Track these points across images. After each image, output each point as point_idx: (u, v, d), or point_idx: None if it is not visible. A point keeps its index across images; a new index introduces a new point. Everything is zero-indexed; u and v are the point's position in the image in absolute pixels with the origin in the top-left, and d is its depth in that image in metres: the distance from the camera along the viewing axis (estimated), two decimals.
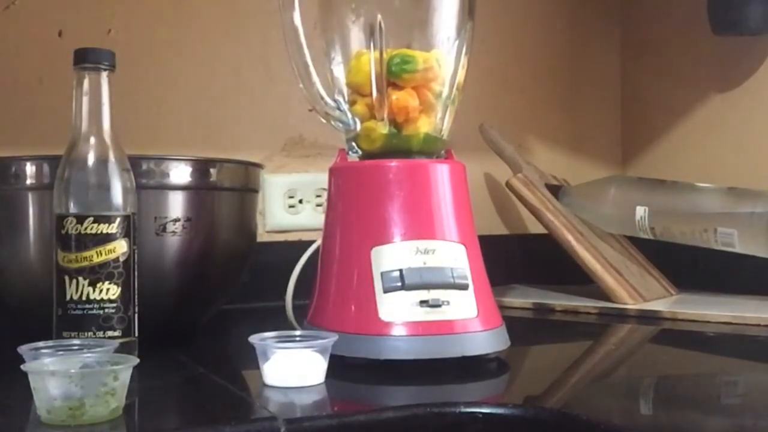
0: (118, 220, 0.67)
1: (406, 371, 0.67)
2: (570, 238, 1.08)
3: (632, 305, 1.04)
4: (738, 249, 1.01)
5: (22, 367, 0.53)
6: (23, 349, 0.58)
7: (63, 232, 0.66)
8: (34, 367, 0.54)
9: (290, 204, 1.16)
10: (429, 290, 0.69)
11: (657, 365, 0.79)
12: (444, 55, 0.76)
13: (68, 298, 0.66)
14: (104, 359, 0.57)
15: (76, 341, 0.63)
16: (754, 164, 1.19)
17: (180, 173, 0.81)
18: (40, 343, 0.60)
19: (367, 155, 0.76)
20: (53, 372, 0.53)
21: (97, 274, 0.66)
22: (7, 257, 0.79)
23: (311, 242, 0.80)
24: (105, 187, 0.68)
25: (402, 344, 0.68)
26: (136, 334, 0.69)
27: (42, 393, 0.52)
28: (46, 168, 0.77)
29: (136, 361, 0.55)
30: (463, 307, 0.70)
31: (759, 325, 0.91)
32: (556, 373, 0.74)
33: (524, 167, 1.17)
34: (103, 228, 0.67)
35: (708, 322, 0.95)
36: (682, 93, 1.30)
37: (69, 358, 0.58)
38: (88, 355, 0.59)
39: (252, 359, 0.64)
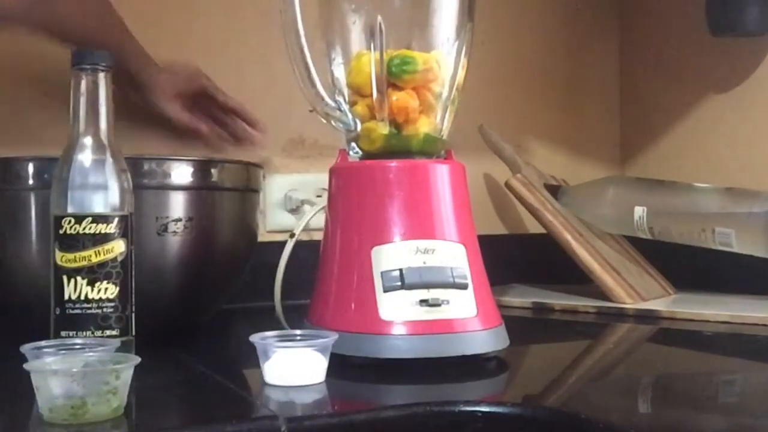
0: (116, 220, 0.67)
1: (406, 370, 0.67)
2: (569, 237, 1.09)
3: (631, 305, 1.04)
4: (736, 249, 1.01)
5: (24, 366, 0.54)
6: (26, 348, 0.59)
7: (61, 232, 0.66)
8: (37, 366, 0.55)
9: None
10: (429, 289, 0.69)
11: (655, 364, 0.80)
12: (444, 56, 0.76)
13: (66, 297, 0.66)
14: (106, 358, 0.57)
15: (78, 340, 0.63)
16: (752, 164, 1.19)
17: (181, 173, 0.81)
18: (43, 342, 0.61)
19: (367, 155, 0.77)
20: (55, 371, 0.53)
21: (95, 273, 0.66)
22: (9, 257, 0.80)
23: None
24: (103, 188, 0.68)
25: (402, 343, 0.68)
26: (133, 334, 0.69)
27: (44, 392, 0.52)
28: (47, 168, 0.77)
29: (137, 360, 0.56)
30: (462, 306, 0.70)
31: (757, 325, 0.91)
32: (555, 372, 0.74)
33: (523, 167, 1.17)
34: (102, 228, 0.67)
35: (706, 321, 0.95)
36: (680, 94, 1.30)
37: (71, 357, 0.58)
38: (90, 354, 0.59)
39: (253, 358, 0.64)
